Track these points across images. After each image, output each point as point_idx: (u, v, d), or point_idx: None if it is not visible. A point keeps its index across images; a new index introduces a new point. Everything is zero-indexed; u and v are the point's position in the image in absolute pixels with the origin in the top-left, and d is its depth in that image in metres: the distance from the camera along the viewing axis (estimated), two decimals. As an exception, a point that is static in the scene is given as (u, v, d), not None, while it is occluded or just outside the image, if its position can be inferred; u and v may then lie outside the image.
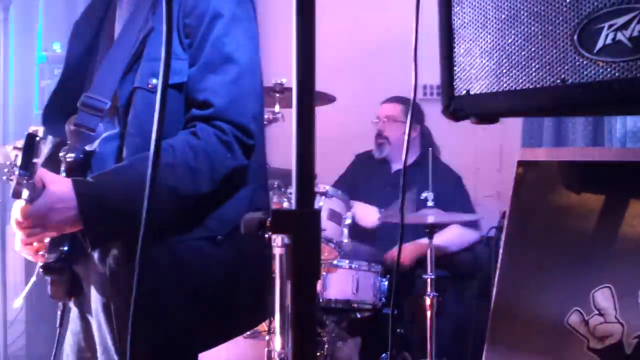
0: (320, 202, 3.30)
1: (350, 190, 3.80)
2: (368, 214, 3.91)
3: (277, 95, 3.38)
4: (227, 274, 1.73)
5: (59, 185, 1.61)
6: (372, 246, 3.88)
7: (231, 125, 1.69)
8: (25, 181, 1.52)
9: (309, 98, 1.05)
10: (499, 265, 1.55)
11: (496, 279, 1.55)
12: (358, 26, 4.82)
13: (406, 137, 1.64)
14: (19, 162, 1.52)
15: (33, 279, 1.77)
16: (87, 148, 1.71)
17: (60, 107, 1.85)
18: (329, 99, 3.58)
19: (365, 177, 4.16)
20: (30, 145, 1.51)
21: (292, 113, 1.04)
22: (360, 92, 4.61)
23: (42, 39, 4.47)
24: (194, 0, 1.71)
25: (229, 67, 1.71)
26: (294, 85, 1.04)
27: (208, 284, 1.71)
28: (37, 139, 1.52)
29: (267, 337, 2.89)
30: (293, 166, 1.03)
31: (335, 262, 3.39)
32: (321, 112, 3.97)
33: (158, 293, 1.64)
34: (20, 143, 3.08)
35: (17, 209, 1.60)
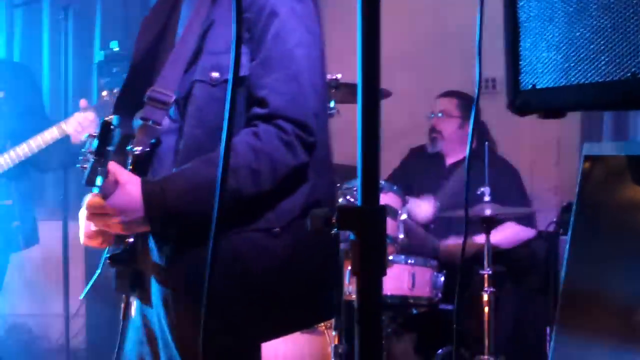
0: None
1: (405, 184, 3.78)
2: (423, 209, 3.89)
3: (333, 90, 3.38)
4: (282, 266, 1.73)
5: (131, 186, 1.64)
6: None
7: (292, 123, 1.69)
8: (99, 167, 1.55)
9: (373, 95, 1.05)
10: (565, 260, 1.52)
11: (563, 274, 1.53)
12: (412, 20, 4.79)
13: (470, 132, 1.62)
14: (92, 149, 1.55)
15: (98, 271, 1.81)
16: (153, 141, 1.74)
17: (128, 101, 1.87)
18: (384, 93, 3.57)
19: (419, 171, 4.14)
20: (105, 133, 1.55)
21: (357, 110, 1.04)
22: (413, 86, 4.58)
23: (100, 38, 4.56)
24: None
25: (289, 63, 1.71)
26: (358, 83, 1.04)
27: (264, 276, 1.72)
28: (112, 127, 1.56)
29: (323, 332, 2.90)
30: (358, 163, 1.03)
31: (391, 257, 3.38)
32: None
33: (215, 284, 1.66)
34: (66, 125, 3.12)
35: (90, 200, 1.64)
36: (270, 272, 1.73)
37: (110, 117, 1.59)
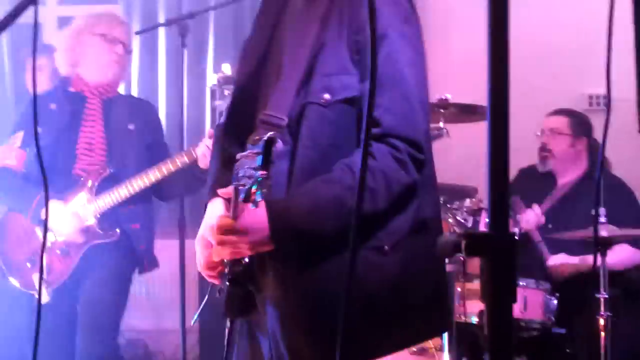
0: (486, 218, 3.25)
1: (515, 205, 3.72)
2: (529, 217, 3.82)
3: (442, 110, 3.38)
4: (393, 284, 1.74)
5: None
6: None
7: (404, 141, 1.71)
8: (260, 183, 1.58)
9: (502, 117, 1.04)
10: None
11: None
12: (517, 37, 4.70)
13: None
14: (256, 165, 1.58)
15: (207, 297, 1.85)
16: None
17: (235, 125, 1.94)
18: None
19: (530, 191, 4.06)
20: (269, 149, 1.59)
21: (486, 133, 1.03)
22: (520, 105, 4.48)
23: (212, 61, 4.69)
24: (365, 17, 1.73)
25: (400, 83, 1.74)
26: (487, 104, 1.02)
27: (374, 293, 1.73)
28: (275, 144, 1.60)
29: (433, 355, 2.88)
30: (486, 188, 1.03)
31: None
32: (483, 127, 3.91)
33: (327, 300, 1.68)
34: (195, 151, 3.17)
35: (222, 222, 1.67)
36: (382, 289, 1.74)
37: (272, 133, 1.63)
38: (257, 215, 1.66)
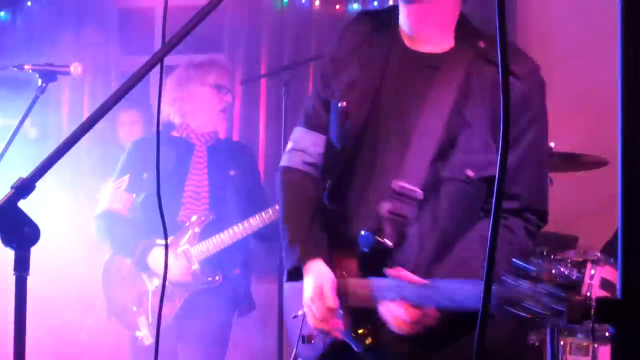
0: (592, 271, 3.15)
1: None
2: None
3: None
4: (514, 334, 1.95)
5: None
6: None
7: (535, 214, 1.86)
8: None
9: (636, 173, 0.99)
10: None
11: None
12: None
13: None
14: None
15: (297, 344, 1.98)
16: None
17: (344, 184, 1.96)
18: (599, 162, 3.44)
19: None
20: None
21: (618, 189, 0.99)
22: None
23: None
24: (514, 103, 1.78)
25: (540, 162, 1.88)
26: (619, 159, 0.98)
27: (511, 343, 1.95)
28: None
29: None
30: (619, 248, 0.99)
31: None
32: (591, 176, 3.80)
33: None
34: None
35: (407, 314, 1.74)
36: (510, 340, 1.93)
37: None
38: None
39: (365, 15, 2.09)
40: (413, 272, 1.78)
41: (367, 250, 1.82)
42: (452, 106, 1.81)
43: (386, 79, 1.92)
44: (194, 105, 3.50)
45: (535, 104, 1.83)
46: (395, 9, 1.97)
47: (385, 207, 1.81)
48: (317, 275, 1.89)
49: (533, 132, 1.83)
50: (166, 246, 1.63)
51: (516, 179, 1.81)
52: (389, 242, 1.80)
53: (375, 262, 1.82)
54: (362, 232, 1.81)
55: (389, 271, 1.78)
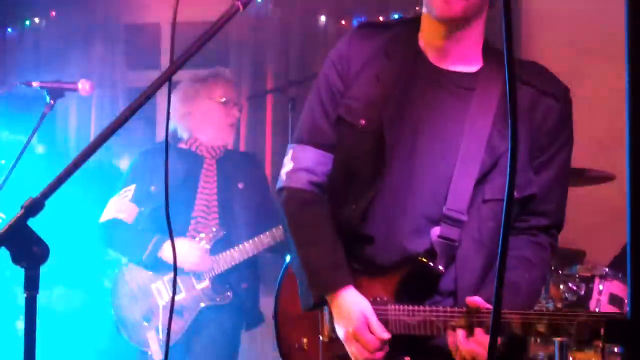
0: (600, 286, 3.13)
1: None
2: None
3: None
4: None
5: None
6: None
7: (557, 229, 1.94)
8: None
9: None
10: None
11: None
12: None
13: None
14: None
15: None
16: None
17: (383, 206, 1.90)
18: (606, 177, 3.44)
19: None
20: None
21: (626, 203, 0.97)
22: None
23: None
24: (553, 124, 1.85)
25: (567, 181, 1.94)
26: (627, 173, 0.97)
27: None
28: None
29: None
30: (628, 267, 0.98)
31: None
32: (598, 191, 3.77)
33: None
34: None
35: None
36: None
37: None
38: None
39: (373, 27, 1.98)
40: (460, 297, 1.78)
41: (413, 275, 1.79)
42: (491, 128, 1.80)
43: (412, 96, 1.84)
44: (203, 120, 3.49)
45: (570, 125, 1.88)
46: (413, 21, 1.91)
47: (434, 231, 1.80)
48: (356, 305, 1.79)
49: (566, 152, 1.88)
50: (175, 271, 1.62)
51: (548, 197, 1.87)
52: (441, 268, 1.78)
53: (420, 287, 1.80)
54: (419, 257, 1.80)
55: (468, 300, 1.72)
